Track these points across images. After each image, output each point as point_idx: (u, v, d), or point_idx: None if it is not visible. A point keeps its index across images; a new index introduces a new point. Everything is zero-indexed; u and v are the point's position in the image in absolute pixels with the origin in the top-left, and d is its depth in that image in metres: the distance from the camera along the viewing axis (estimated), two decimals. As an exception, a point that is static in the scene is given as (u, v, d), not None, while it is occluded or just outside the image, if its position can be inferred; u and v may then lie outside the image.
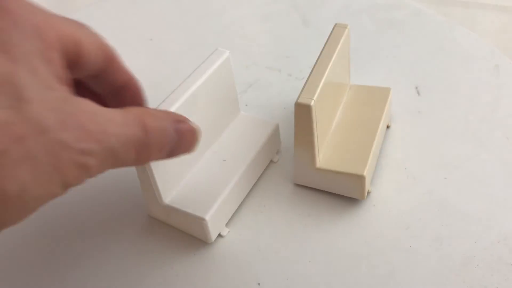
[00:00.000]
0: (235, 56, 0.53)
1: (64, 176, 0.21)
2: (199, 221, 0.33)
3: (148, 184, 0.33)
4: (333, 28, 0.40)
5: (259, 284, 0.33)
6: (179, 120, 0.28)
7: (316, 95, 0.34)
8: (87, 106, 0.22)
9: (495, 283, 0.33)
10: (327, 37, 0.39)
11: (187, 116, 0.29)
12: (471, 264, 0.34)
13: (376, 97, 0.42)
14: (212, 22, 0.58)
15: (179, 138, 0.27)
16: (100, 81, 0.29)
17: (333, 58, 0.37)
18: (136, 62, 0.54)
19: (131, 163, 0.25)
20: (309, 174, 0.38)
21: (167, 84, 0.48)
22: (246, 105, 0.47)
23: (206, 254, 0.35)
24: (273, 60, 0.52)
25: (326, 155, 0.38)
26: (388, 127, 0.44)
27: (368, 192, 0.38)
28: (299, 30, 0.56)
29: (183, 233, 0.36)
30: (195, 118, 0.30)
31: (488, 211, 0.37)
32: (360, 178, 0.36)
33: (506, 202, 0.38)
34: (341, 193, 0.38)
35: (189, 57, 0.52)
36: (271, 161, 0.41)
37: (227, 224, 0.36)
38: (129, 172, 0.33)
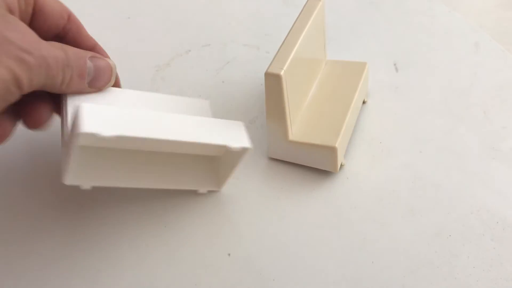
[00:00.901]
0: (213, 33, 0.53)
1: (8, 64, 0.25)
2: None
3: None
4: (307, 1, 0.39)
5: (229, 254, 0.33)
6: (95, 56, 0.32)
7: (286, 65, 0.33)
8: (26, 27, 0.28)
9: (467, 253, 0.33)
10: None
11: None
12: (443, 235, 0.34)
13: (352, 72, 0.42)
14: (191, 0, 0.57)
15: (96, 70, 0.31)
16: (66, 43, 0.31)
17: (305, 31, 0.36)
18: (114, 40, 0.53)
19: (58, 84, 0.29)
20: (282, 147, 0.37)
21: (144, 62, 0.48)
22: (223, 82, 0.46)
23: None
24: (252, 38, 0.51)
25: (299, 128, 0.37)
26: (364, 102, 0.43)
27: (342, 165, 0.38)
28: (278, 8, 0.55)
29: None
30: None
31: (462, 184, 0.37)
32: (332, 150, 0.35)
33: (480, 175, 0.38)
34: (315, 166, 0.38)
35: (167, 36, 0.51)
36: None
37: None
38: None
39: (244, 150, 0.33)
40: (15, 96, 0.27)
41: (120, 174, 0.34)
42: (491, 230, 0.34)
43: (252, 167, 0.39)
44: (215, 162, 0.37)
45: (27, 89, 0.27)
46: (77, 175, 0.32)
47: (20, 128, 0.31)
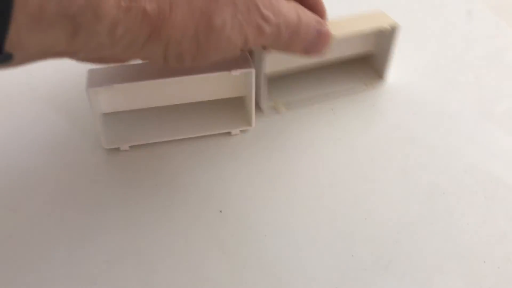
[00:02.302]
0: None
1: (246, 31, 0.27)
2: None
3: None
4: None
5: (220, 211, 0.33)
6: (320, 22, 0.31)
7: None
8: None
9: (461, 210, 0.33)
10: None
11: None
12: (437, 193, 0.34)
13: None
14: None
15: (317, 37, 0.31)
16: None
17: None
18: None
19: (280, 45, 0.30)
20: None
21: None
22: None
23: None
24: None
25: None
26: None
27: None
28: None
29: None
30: None
31: (455, 144, 0.37)
32: None
33: (473, 136, 0.38)
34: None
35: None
36: None
37: None
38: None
39: (250, 75, 0.34)
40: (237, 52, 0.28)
41: (152, 131, 0.36)
42: (485, 188, 0.34)
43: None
44: (241, 102, 0.39)
45: (248, 48, 0.29)
46: (113, 139, 0.35)
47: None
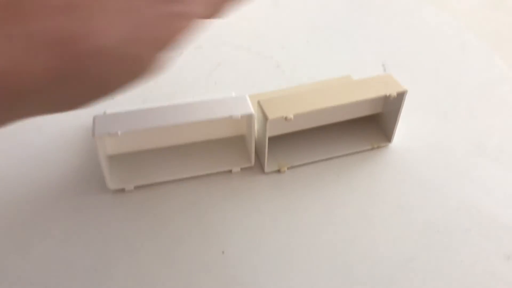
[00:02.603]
0: (204, 35, 0.53)
1: None
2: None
3: None
4: None
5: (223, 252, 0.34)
6: None
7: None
8: None
9: (455, 247, 0.34)
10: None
11: None
12: (431, 230, 0.35)
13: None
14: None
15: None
16: None
17: None
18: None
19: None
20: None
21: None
22: (215, 83, 0.47)
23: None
24: (242, 39, 0.52)
25: None
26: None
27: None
28: (268, 9, 0.56)
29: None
30: None
31: (450, 180, 0.38)
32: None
33: (466, 172, 0.39)
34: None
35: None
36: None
37: None
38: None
39: (250, 118, 0.35)
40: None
41: (156, 171, 0.38)
42: (478, 225, 0.35)
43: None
44: (242, 140, 0.40)
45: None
46: (118, 180, 0.37)
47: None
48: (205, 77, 0.47)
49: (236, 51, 0.51)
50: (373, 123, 0.42)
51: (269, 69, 0.48)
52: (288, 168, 0.39)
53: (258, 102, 0.36)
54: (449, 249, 0.34)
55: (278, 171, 0.39)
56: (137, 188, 0.37)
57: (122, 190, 0.37)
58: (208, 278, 0.32)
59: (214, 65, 0.49)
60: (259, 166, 0.39)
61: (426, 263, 0.33)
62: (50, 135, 0.41)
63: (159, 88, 0.46)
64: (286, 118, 0.34)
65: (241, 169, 0.39)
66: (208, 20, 0.23)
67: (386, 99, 0.39)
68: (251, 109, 0.35)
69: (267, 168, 0.38)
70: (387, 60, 0.49)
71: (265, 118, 0.35)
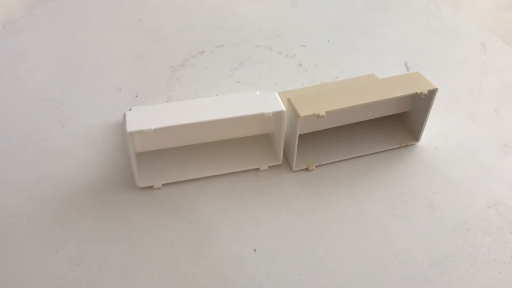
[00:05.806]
0: (226, 35, 0.53)
1: None
2: None
3: None
4: None
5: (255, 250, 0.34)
6: None
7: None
8: None
9: (487, 245, 0.34)
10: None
11: None
12: (463, 228, 0.35)
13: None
14: (203, 3, 0.58)
15: None
16: None
17: None
18: (127, 42, 0.54)
19: None
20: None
21: (158, 63, 0.48)
22: (238, 82, 0.47)
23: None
24: (263, 39, 0.52)
25: None
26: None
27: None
28: (288, 10, 0.56)
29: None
30: None
31: (478, 178, 0.38)
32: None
33: (495, 170, 0.39)
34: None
35: (180, 37, 0.52)
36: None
37: None
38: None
39: (281, 115, 0.35)
40: None
41: (184, 169, 0.38)
42: (509, 223, 0.35)
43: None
44: (269, 138, 0.40)
45: None
46: (147, 178, 0.37)
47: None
48: (227, 75, 0.47)
49: (258, 51, 0.51)
50: (399, 121, 0.41)
51: (291, 68, 0.48)
52: (316, 166, 0.39)
53: (289, 100, 0.36)
54: (482, 248, 0.34)
55: (306, 169, 0.38)
56: (165, 185, 0.37)
57: (150, 188, 0.37)
58: (240, 275, 0.32)
59: (236, 63, 0.49)
60: (286, 164, 0.39)
61: (460, 261, 0.33)
62: (72, 133, 0.41)
63: (182, 87, 0.46)
64: (318, 116, 0.34)
65: (269, 167, 0.39)
66: None
67: (415, 97, 0.39)
68: (282, 106, 0.35)
69: (295, 166, 0.38)
70: (410, 59, 0.49)
71: (296, 115, 0.35)
